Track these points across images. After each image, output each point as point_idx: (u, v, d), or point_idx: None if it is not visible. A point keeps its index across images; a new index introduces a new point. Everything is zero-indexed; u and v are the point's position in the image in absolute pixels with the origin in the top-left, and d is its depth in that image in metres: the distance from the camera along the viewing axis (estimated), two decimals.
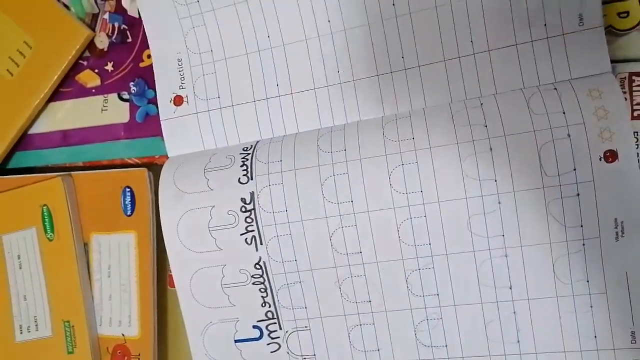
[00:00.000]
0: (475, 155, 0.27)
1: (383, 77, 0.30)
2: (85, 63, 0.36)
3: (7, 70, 0.36)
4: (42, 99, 0.36)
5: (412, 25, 0.29)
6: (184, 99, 0.33)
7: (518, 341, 0.27)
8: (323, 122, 0.31)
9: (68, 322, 0.35)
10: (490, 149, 0.27)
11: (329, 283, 0.29)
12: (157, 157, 0.35)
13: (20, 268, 0.36)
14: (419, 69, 0.29)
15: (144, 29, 0.34)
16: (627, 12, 0.27)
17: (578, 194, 0.26)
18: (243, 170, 0.30)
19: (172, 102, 0.33)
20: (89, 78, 0.36)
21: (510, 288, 0.27)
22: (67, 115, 0.37)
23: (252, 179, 0.30)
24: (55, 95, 0.37)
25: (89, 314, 0.35)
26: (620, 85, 0.27)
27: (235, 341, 0.31)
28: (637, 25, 0.27)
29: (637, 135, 0.27)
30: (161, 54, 0.33)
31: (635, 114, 0.27)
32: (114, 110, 0.35)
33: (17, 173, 0.37)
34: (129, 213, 0.34)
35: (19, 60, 0.36)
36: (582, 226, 0.26)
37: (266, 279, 0.30)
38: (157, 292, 0.34)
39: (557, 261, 0.26)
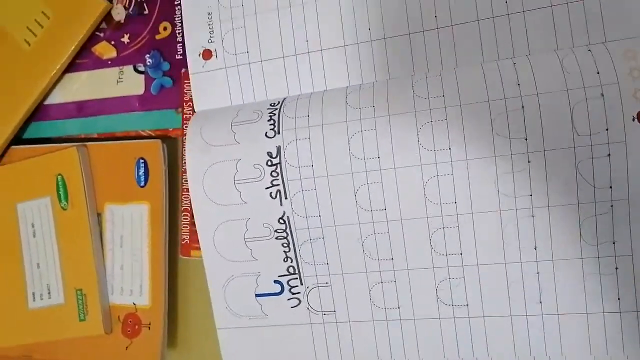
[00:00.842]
0: (506, 114, 0.27)
1: (414, 36, 0.30)
2: (101, 35, 0.36)
3: (25, 40, 0.37)
4: (58, 69, 0.36)
5: None
6: (212, 53, 0.33)
7: (540, 302, 0.27)
8: (352, 80, 0.31)
9: (80, 290, 0.35)
10: (522, 106, 0.26)
11: (352, 240, 0.29)
12: (171, 129, 0.35)
13: (34, 236, 0.37)
14: (451, 28, 0.29)
15: (160, 1, 0.34)
16: None
17: (609, 154, 0.26)
18: (270, 124, 0.30)
19: (201, 55, 0.33)
20: (105, 50, 0.37)
21: (535, 248, 0.27)
22: (82, 86, 0.37)
23: (279, 133, 0.30)
24: (72, 66, 0.37)
25: (101, 283, 0.35)
26: None
27: (256, 295, 0.31)
28: None
29: None
30: (191, 7, 0.33)
31: None
32: (129, 82, 0.36)
33: (32, 143, 0.38)
34: (142, 184, 0.35)
35: (36, 31, 0.36)
36: (611, 187, 0.26)
37: (289, 233, 0.30)
38: (168, 262, 0.35)
39: (584, 222, 0.26)
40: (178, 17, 0.34)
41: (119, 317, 0.35)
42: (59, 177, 0.36)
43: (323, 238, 0.30)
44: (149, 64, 0.35)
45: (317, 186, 0.29)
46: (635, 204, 0.26)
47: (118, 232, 0.35)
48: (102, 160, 0.36)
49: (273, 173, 0.30)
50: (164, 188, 0.34)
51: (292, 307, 0.31)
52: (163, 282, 0.34)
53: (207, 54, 0.33)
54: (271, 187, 0.30)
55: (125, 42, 0.36)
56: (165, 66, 0.35)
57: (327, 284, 0.30)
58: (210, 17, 0.33)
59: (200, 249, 0.32)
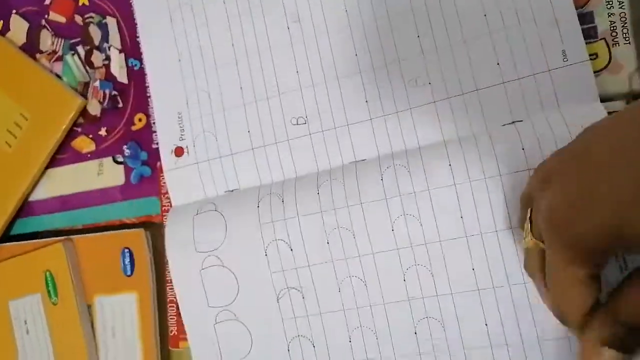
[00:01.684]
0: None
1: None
2: (79, 129, 0.37)
3: (6, 142, 0.38)
4: (40, 167, 0.37)
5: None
6: (184, 150, 0.33)
7: None
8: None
9: None
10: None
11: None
12: (153, 215, 0.36)
13: (28, 333, 0.37)
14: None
15: (134, 94, 0.35)
16: (596, 54, 0.28)
17: None
18: None
19: (173, 153, 0.34)
20: (84, 144, 0.37)
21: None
22: (64, 181, 0.38)
23: None
24: (53, 162, 0.38)
25: None
26: None
27: None
28: (607, 66, 0.28)
29: None
30: (162, 108, 0.34)
31: None
32: (109, 174, 0.37)
33: (20, 239, 0.38)
34: (129, 273, 0.35)
35: (16, 132, 0.37)
36: None
37: None
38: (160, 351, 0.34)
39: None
40: (152, 108, 0.35)
41: None
42: (48, 273, 0.36)
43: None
44: (127, 154, 0.36)
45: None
46: None
47: (109, 323, 0.35)
48: (88, 252, 0.36)
49: None
50: (150, 276, 0.35)
51: None
52: None
53: (179, 151, 0.34)
54: None
55: (103, 135, 0.37)
56: (143, 155, 0.36)
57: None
58: (180, 116, 0.34)
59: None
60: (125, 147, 0.36)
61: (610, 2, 0.28)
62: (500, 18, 0.28)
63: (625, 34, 0.28)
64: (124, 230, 0.36)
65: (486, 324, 0.27)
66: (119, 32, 0.36)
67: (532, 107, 0.28)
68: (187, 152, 0.33)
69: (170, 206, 0.34)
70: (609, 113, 0.27)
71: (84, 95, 0.37)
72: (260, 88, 0.32)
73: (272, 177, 0.32)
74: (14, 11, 0.39)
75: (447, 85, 0.29)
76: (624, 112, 0.19)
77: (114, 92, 0.36)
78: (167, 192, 0.34)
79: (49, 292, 0.36)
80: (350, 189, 0.29)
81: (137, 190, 0.36)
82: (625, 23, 0.28)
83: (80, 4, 0.37)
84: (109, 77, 0.37)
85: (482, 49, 0.28)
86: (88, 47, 0.37)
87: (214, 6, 0.33)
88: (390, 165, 0.29)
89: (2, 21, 0.39)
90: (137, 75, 0.36)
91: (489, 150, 0.27)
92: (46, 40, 0.38)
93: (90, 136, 0.37)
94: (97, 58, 0.37)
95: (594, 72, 0.27)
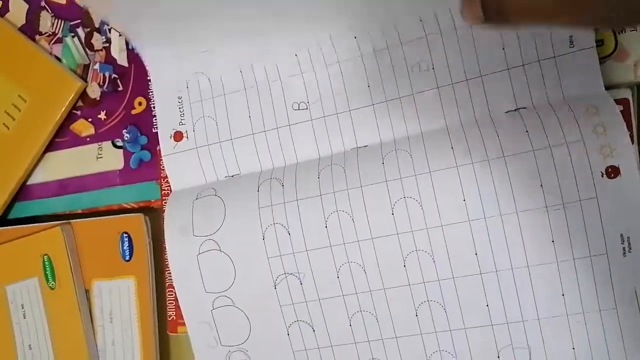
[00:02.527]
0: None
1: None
2: (79, 113, 0.37)
3: (4, 124, 0.37)
4: (38, 150, 0.37)
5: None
6: (183, 135, 0.33)
7: None
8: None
9: None
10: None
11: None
12: (152, 200, 0.35)
13: (25, 317, 0.37)
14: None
15: (134, 77, 0.35)
16: (602, 41, 0.28)
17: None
18: None
19: (172, 137, 0.33)
20: (83, 127, 0.37)
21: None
22: (63, 164, 0.37)
23: None
24: (51, 145, 0.37)
25: None
26: None
27: None
28: (612, 52, 0.28)
29: None
30: (161, 92, 0.34)
31: None
32: (108, 158, 0.36)
33: (18, 223, 0.38)
34: (127, 258, 0.35)
35: (14, 114, 0.37)
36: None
37: None
38: (158, 337, 0.34)
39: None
40: (152, 91, 0.35)
41: None
42: (45, 257, 0.36)
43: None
44: (126, 138, 0.35)
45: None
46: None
47: (107, 308, 0.35)
48: (86, 237, 0.36)
49: None
50: (149, 261, 0.34)
51: None
52: (154, 357, 0.34)
53: (178, 136, 0.33)
54: None
55: (102, 119, 0.36)
56: (143, 140, 0.35)
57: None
58: (180, 100, 0.33)
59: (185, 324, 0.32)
60: (124, 131, 0.35)
61: None
62: None
63: None
64: (123, 215, 0.35)
65: (487, 305, 0.27)
66: None
67: (537, 94, 0.27)
68: (187, 137, 0.33)
69: (170, 191, 0.34)
70: (615, 101, 0.26)
71: (83, 78, 0.37)
72: (260, 73, 0.31)
73: (273, 162, 0.32)
74: None
75: (451, 71, 0.28)
76: None
77: (114, 75, 0.36)
78: (167, 177, 0.34)
79: (46, 276, 0.36)
80: (351, 174, 0.29)
81: (137, 175, 0.35)
82: None
83: None
84: (109, 60, 0.36)
85: (487, 34, 0.28)
86: (88, 29, 0.37)
87: None
88: (392, 150, 0.29)
89: (1, 2, 0.38)
90: (138, 59, 0.35)
91: (492, 134, 0.27)
92: (46, 21, 0.37)
93: (90, 120, 0.37)
94: (97, 40, 0.36)
95: (600, 58, 0.27)
